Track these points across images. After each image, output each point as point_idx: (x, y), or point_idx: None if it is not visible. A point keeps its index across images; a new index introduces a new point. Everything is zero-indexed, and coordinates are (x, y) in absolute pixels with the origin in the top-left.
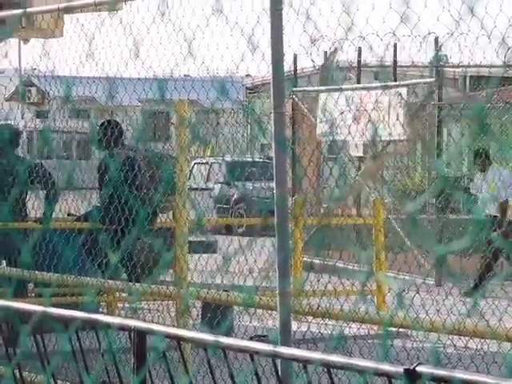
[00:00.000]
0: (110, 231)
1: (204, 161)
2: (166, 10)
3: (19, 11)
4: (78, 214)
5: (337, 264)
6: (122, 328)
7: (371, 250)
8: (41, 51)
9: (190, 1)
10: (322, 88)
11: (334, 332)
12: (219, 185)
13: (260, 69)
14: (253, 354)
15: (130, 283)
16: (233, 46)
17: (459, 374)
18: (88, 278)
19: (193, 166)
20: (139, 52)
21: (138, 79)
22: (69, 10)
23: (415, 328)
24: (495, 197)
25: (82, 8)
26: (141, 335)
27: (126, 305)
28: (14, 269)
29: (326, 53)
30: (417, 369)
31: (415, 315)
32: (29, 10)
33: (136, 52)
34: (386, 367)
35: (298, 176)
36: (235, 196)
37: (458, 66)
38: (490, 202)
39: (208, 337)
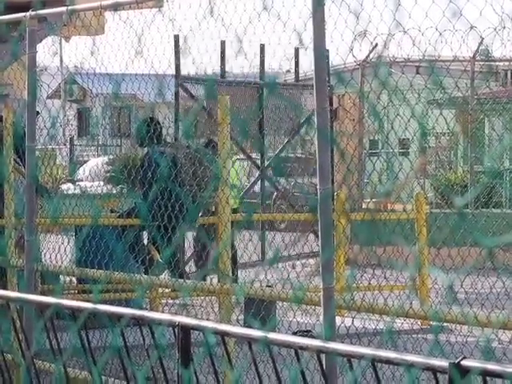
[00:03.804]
0: (153, 228)
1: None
2: (208, 7)
3: (63, 9)
4: (120, 211)
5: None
6: (167, 324)
7: (415, 244)
8: (87, 48)
9: None
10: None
11: (378, 327)
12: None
13: (302, 64)
14: (300, 349)
15: (174, 279)
16: (275, 42)
17: (504, 368)
18: (135, 275)
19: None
20: (186, 49)
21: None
22: (113, 7)
23: (463, 322)
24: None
25: (125, 5)
26: (185, 331)
27: (169, 301)
28: (62, 265)
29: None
30: (462, 363)
31: (459, 309)
32: (71, 7)
33: (185, 49)
34: (431, 361)
35: (340, 171)
36: (276, 192)
37: (500, 60)
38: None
39: (255, 332)
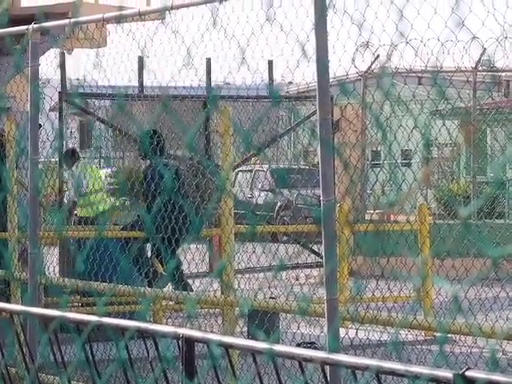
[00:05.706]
0: (156, 240)
1: (248, 168)
2: (210, 19)
3: (65, 21)
4: (123, 223)
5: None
6: (171, 336)
7: (418, 255)
8: (89, 61)
9: (235, 10)
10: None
11: (382, 338)
12: (264, 192)
13: (305, 76)
14: (305, 361)
15: (177, 291)
16: (278, 54)
17: (509, 379)
18: (139, 288)
19: (237, 174)
20: (192, 61)
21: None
22: (116, 19)
23: (467, 333)
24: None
25: (128, 17)
26: (189, 343)
27: (173, 313)
28: (67, 279)
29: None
30: (466, 373)
31: (464, 320)
32: (74, 20)
33: (188, 61)
34: (436, 372)
35: (343, 183)
36: (280, 203)
37: (502, 70)
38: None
39: (259, 344)
